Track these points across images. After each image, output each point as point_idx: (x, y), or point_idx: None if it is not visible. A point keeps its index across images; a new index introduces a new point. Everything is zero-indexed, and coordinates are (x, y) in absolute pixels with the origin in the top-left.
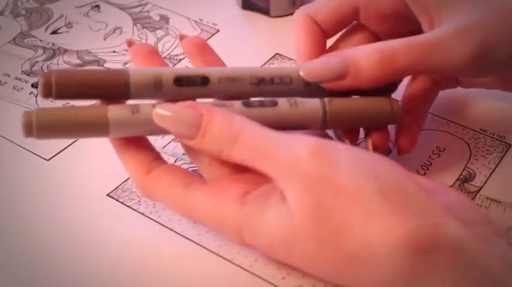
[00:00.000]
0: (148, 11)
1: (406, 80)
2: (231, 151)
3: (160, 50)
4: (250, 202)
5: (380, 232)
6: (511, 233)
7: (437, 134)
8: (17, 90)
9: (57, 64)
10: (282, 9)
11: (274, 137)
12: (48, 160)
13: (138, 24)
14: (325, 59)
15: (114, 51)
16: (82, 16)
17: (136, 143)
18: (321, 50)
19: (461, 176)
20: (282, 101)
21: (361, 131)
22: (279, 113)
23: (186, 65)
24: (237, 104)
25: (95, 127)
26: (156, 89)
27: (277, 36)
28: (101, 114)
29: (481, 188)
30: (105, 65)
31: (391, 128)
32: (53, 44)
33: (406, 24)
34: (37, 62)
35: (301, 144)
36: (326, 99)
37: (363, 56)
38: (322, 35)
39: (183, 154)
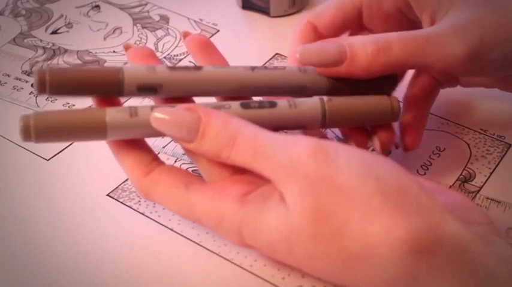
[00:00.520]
0: (148, 11)
1: (407, 80)
2: (229, 154)
3: (160, 50)
4: (250, 202)
5: (380, 232)
6: (511, 233)
7: (437, 134)
8: (17, 90)
9: (57, 64)
10: (282, 9)
11: (272, 138)
12: (48, 160)
13: (138, 24)
14: (323, 43)
15: (114, 51)
16: (82, 16)
17: (133, 144)
18: None
19: (461, 176)
20: (281, 102)
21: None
22: (278, 114)
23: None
24: (235, 105)
25: (93, 131)
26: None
27: (277, 36)
28: (99, 117)
29: (481, 188)
30: (105, 65)
31: (396, 126)
32: (53, 44)
33: (408, 25)
34: (37, 62)
35: (299, 145)
36: (325, 98)
37: (359, 45)
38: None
39: (183, 154)
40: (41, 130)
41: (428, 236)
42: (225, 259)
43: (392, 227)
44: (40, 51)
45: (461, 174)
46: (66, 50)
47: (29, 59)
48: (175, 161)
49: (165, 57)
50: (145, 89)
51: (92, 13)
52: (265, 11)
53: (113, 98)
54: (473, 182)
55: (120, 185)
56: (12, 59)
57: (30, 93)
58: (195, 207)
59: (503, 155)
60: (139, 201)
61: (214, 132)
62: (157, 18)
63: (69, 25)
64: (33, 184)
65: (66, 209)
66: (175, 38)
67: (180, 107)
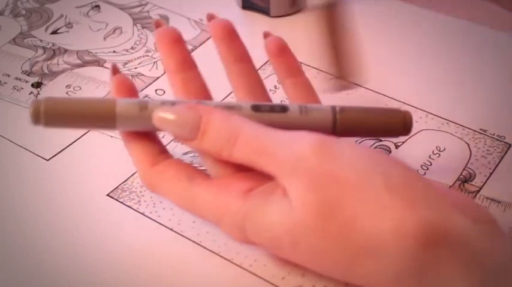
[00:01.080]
0: (148, 11)
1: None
2: (230, 152)
3: None
4: (253, 197)
5: (390, 225)
6: None
7: (437, 134)
8: (17, 90)
9: (57, 64)
10: (282, 9)
11: (274, 134)
12: (48, 160)
13: (138, 24)
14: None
15: (114, 51)
16: (82, 16)
17: (143, 135)
18: None
19: (461, 176)
20: (293, 107)
21: None
22: (288, 119)
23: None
24: (246, 107)
25: (102, 121)
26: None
27: None
28: (109, 108)
29: (481, 188)
30: (105, 65)
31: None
32: (53, 44)
33: None
34: (37, 62)
35: (302, 140)
36: (337, 108)
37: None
38: None
39: (183, 154)
40: (50, 115)
41: (438, 229)
42: (225, 259)
43: (401, 221)
44: (40, 51)
45: (461, 174)
46: (66, 50)
47: (29, 59)
48: None
49: None
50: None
51: (92, 13)
52: (265, 11)
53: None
54: (473, 182)
55: (120, 185)
56: (12, 59)
57: (30, 93)
58: (198, 201)
59: (503, 155)
60: (139, 201)
61: (214, 131)
62: (157, 18)
63: (69, 25)
64: (33, 184)
65: (66, 209)
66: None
67: (182, 106)
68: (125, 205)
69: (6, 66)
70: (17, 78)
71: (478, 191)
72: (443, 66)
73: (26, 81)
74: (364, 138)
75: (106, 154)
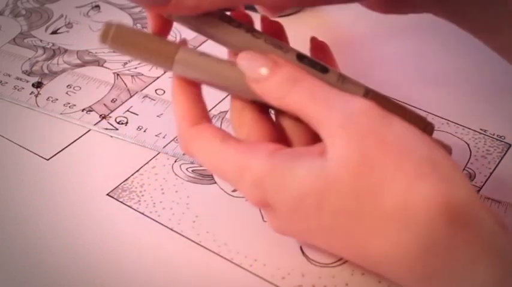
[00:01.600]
0: None
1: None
2: (288, 93)
3: None
4: (280, 155)
5: (424, 196)
6: None
7: (437, 134)
8: (18, 90)
9: (57, 64)
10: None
11: (333, 90)
12: (48, 160)
13: (138, 24)
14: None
15: (114, 51)
16: (82, 16)
17: (192, 94)
18: None
19: None
20: (332, 72)
21: None
22: (324, 81)
23: None
24: (292, 53)
25: (161, 60)
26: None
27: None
28: (170, 51)
29: (481, 188)
30: (105, 65)
31: None
32: (53, 44)
33: None
34: (37, 62)
35: (357, 100)
36: (371, 92)
37: None
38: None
39: (184, 154)
40: (116, 39)
41: (471, 212)
42: (225, 258)
43: (436, 192)
44: (40, 51)
45: None
46: (66, 50)
47: (29, 59)
48: (175, 161)
49: None
50: None
51: (92, 13)
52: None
53: None
54: (473, 182)
55: (120, 184)
56: (13, 59)
57: (30, 94)
58: (224, 159)
59: (503, 155)
60: (139, 201)
61: (281, 73)
62: None
63: (69, 25)
64: (33, 183)
65: (66, 208)
66: (175, 38)
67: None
68: (125, 204)
69: (6, 66)
70: (17, 78)
71: (478, 191)
72: (444, 66)
73: (27, 81)
74: None
75: (106, 154)
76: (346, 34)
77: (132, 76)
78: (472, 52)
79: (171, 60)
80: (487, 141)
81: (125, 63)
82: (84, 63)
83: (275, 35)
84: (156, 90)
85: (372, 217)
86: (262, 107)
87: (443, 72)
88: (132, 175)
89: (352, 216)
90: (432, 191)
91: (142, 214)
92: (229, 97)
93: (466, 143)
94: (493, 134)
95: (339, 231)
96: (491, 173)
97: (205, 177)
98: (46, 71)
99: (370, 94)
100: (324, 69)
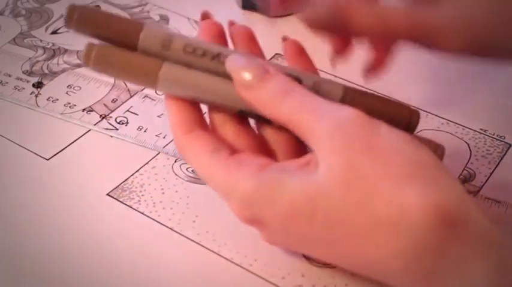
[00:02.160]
0: (148, 11)
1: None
2: (280, 103)
3: None
4: (268, 171)
5: (414, 198)
6: None
7: (437, 134)
8: (18, 90)
9: (57, 64)
10: (282, 9)
11: (322, 100)
12: (48, 160)
13: None
14: (324, 5)
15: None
16: None
17: (186, 101)
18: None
19: (461, 176)
20: (307, 81)
21: None
22: None
23: None
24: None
25: (145, 78)
26: (163, 49)
27: (277, 36)
28: (154, 67)
29: (481, 188)
30: None
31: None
32: (53, 44)
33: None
34: (37, 62)
35: (344, 109)
36: (348, 88)
37: (357, 11)
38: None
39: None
40: (99, 61)
41: (462, 213)
42: (225, 258)
43: (428, 196)
44: (40, 51)
45: (461, 174)
46: (66, 50)
47: (29, 58)
48: (175, 161)
49: None
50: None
51: None
52: (265, 11)
53: None
54: (473, 182)
55: (120, 184)
56: (13, 59)
57: (31, 94)
58: (213, 174)
59: (503, 155)
60: (139, 201)
61: (274, 82)
62: (157, 18)
63: None
64: (33, 183)
65: (66, 208)
66: None
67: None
68: (125, 204)
69: (6, 66)
70: (18, 78)
71: (478, 191)
72: (444, 66)
73: (27, 81)
74: None
75: (106, 153)
76: None
77: None
78: None
79: (155, 76)
80: (487, 142)
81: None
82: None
83: (296, 55)
84: (156, 91)
85: (364, 226)
86: (243, 119)
87: (443, 72)
88: (132, 175)
89: (345, 227)
90: (421, 195)
91: (142, 213)
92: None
93: (466, 143)
94: (493, 134)
95: (332, 242)
96: (491, 173)
97: None
98: (46, 71)
99: (349, 93)
100: (298, 79)
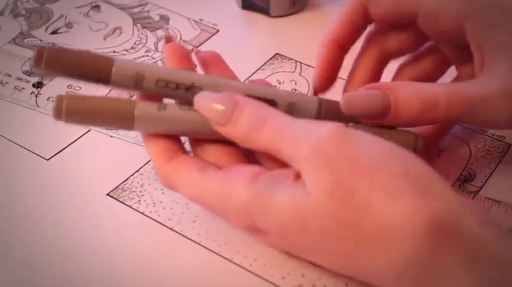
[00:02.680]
0: (148, 11)
1: None
2: (257, 135)
3: (160, 49)
4: (261, 181)
5: (403, 212)
6: None
7: None
8: (19, 90)
9: None
10: (282, 9)
11: (297, 121)
12: (48, 160)
13: (138, 24)
14: (368, 93)
15: (114, 51)
16: (82, 16)
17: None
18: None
19: (461, 176)
20: (281, 101)
21: None
22: None
23: None
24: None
25: (121, 121)
26: (136, 86)
27: (277, 36)
28: (128, 109)
29: (481, 188)
30: None
31: None
32: (53, 44)
33: (461, 41)
34: None
35: (323, 126)
36: (322, 100)
37: (405, 100)
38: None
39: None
40: (71, 112)
41: (451, 222)
42: (225, 258)
43: (415, 208)
44: None
45: (461, 174)
46: None
47: (29, 58)
48: None
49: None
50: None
51: (92, 13)
52: (265, 11)
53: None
54: (473, 182)
55: (120, 184)
56: (13, 59)
57: (31, 94)
58: (205, 189)
59: (503, 155)
60: (139, 200)
61: (246, 117)
62: (157, 18)
63: (69, 25)
64: (33, 183)
65: (66, 208)
66: (176, 38)
67: (221, 93)
68: (125, 204)
69: (7, 66)
70: (18, 79)
71: (478, 191)
72: None
73: (27, 81)
74: None
75: (106, 153)
76: None
77: None
78: None
79: (131, 117)
80: (487, 142)
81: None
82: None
83: (215, 66)
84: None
85: (354, 240)
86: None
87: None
88: (132, 175)
89: (336, 241)
90: (409, 208)
91: (143, 213)
92: None
93: (466, 143)
94: (493, 134)
95: (327, 253)
96: (491, 173)
97: None
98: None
99: (323, 105)
100: (272, 103)
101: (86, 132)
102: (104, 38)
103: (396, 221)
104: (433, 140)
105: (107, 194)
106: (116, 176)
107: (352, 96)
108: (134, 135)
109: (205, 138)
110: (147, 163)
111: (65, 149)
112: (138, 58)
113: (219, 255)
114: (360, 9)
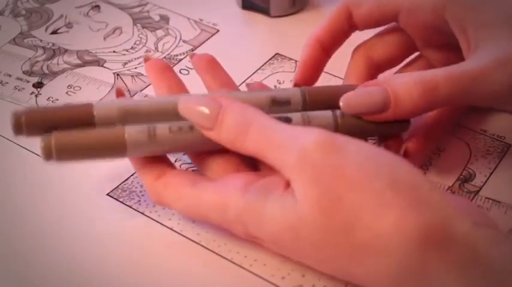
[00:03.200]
0: (148, 11)
1: None
2: (243, 141)
3: (160, 50)
4: (252, 191)
5: (393, 223)
6: None
7: None
8: (19, 90)
9: (57, 64)
10: (282, 9)
11: (284, 128)
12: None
13: (138, 24)
14: (366, 91)
15: (114, 51)
16: (82, 16)
17: None
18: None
19: (461, 176)
20: (296, 118)
21: None
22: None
23: (186, 65)
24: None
25: (113, 151)
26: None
27: (277, 36)
28: (118, 137)
29: (481, 188)
30: (105, 65)
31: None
32: (53, 44)
33: (444, 38)
34: (37, 62)
35: (309, 135)
36: (338, 113)
37: (404, 89)
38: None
39: (183, 154)
40: (62, 151)
41: (441, 230)
42: (225, 258)
43: (405, 219)
44: (40, 51)
45: (461, 174)
46: (66, 50)
47: (29, 59)
48: (174, 161)
49: (164, 58)
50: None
51: (92, 13)
52: (265, 11)
53: None
54: (473, 182)
55: (120, 184)
56: (13, 59)
57: (31, 94)
58: (201, 202)
59: (503, 155)
60: (139, 201)
61: (231, 120)
62: (157, 18)
63: (69, 25)
64: (33, 183)
65: (66, 208)
66: (176, 38)
67: (205, 97)
68: (125, 204)
69: (7, 66)
70: (18, 79)
71: (478, 191)
72: None
73: (28, 81)
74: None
75: None
76: None
77: (132, 76)
78: None
79: (123, 144)
80: (487, 142)
81: (125, 63)
82: (84, 63)
83: (211, 70)
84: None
85: (346, 249)
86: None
87: None
88: (132, 175)
89: (328, 248)
90: (398, 219)
91: (143, 213)
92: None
93: (466, 143)
94: (493, 134)
95: (321, 260)
96: (491, 173)
97: None
98: (46, 71)
99: (339, 119)
100: (288, 120)
101: None
102: (104, 38)
103: (386, 232)
104: (434, 138)
105: (107, 194)
106: (115, 176)
107: (350, 96)
108: None
109: (200, 151)
110: None
111: None
112: (138, 58)
113: (219, 255)
114: (344, 13)
